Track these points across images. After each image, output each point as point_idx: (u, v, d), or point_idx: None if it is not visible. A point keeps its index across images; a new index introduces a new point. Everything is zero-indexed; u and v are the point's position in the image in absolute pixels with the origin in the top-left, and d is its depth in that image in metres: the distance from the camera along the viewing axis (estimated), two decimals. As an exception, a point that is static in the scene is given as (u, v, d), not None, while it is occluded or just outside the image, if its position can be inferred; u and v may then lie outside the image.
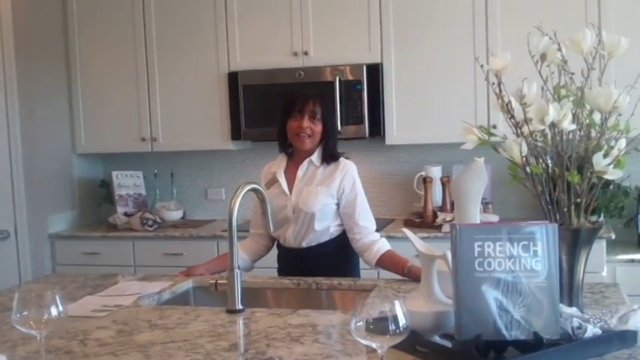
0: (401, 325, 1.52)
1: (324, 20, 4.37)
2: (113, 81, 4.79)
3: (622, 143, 1.84)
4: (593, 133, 1.86)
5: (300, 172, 2.95)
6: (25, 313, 1.73)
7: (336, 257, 2.93)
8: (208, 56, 4.58)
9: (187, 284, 2.85)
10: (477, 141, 1.93)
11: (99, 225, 4.87)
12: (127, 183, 4.91)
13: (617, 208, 3.89)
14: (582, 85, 1.86)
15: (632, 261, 3.87)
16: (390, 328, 1.51)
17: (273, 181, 2.97)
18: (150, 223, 4.55)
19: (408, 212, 4.51)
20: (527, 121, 1.82)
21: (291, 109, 2.90)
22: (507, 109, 1.88)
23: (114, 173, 4.87)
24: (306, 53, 4.38)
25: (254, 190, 2.51)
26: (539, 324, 1.67)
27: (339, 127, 4.21)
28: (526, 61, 1.87)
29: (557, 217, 1.90)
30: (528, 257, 1.70)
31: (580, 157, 1.87)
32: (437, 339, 1.84)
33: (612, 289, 2.43)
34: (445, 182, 4.29)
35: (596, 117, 1.86)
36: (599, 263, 3.74)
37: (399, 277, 2.76)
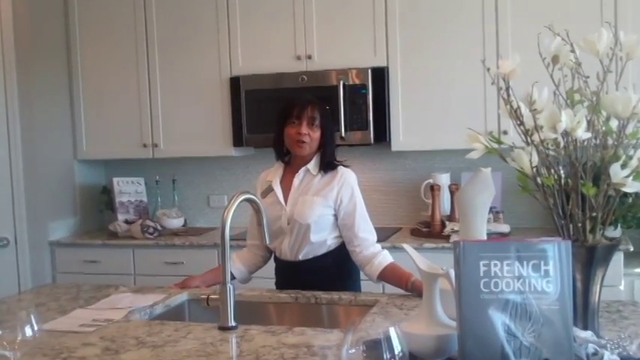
0: (396, 352, 1.39)
1: (329, 22, 4.27)
2: (114, 86, 4.74)
3: (641, 152, 1.70)
4: (610, 142, 1.73)
5: (296, 181, 2.83)
6: (-1, 332, 1.68)
7: (335, 270, 2.81)
8: (210, 61, 4.50)
9: (182, 297, 2.75)
10: (483, 150, 1.80)
11: (100, 232, 4.82)
12: (128, 190, 4.82)
13: (635, 218, 3.71)
14: (598, 89, 1.72)
15: (652, 274, 3.71)
16: (385, 356, 1.39)
17: (268, 190, 2.85)
18: (150, 230, 4.47)
19: (415, 221, 4.38)
20: (537, 128, 1.68)
21: (288, 115, 2.78)
22: (516, 116, 1.74)
23: (115, 180, 4.80)
24: (309, 57, 4.28)
25: (248, 200, 2.39)
26: (551, 350, 1.54)
27: (343, 133, 4.10)
28: (539, 65, 1.75)
29: (571, 232, 1.76)
30: (539, 277, 1.57)
31: (596, 168, 1.73)
32: (439, 365, 1.72)
33: (631, 308, 2.29)
34: (453, 190, 4.17)
35: (613, 124, 1.72)
36: (617, 277, 3.60)
37: (403, 291, 2.63)
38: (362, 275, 2.88)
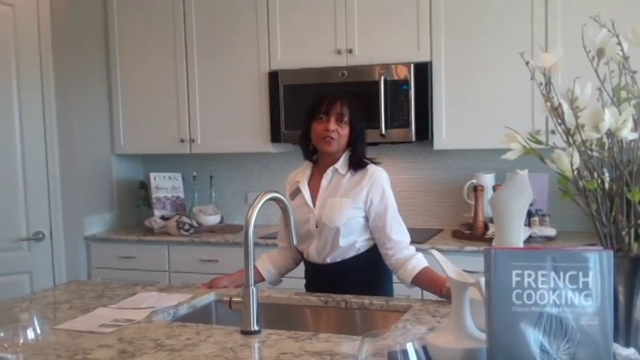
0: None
1: (370, 16, 4.15)
2: (153, 81, 4.71)
3: (694, 156, 1.55)
4: (660, 144, 1.57)
5: (324, 182, 2.72)
6: (1, 334, 1.62)
7: (366, 274, 2.69)
8: (248, 55, 4.43)
9: (209, 297, 2.67)
10: (521, 150, 1.66)
11: (136, 228, 4.79)
12: (165, 185, 4.79)
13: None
14: (647, 86, 1.57)
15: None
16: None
17: (296, 192, 2.75)
18: (186, 227, 4.43)
19: (457, 223, 4.24)
20: (579, 127, 1.55)
21: (316, 111, 2.67)
22: (557, 114, 1.60)
23: (152, 175, 4.77)
24: (350, 51, 4.17)
25: (274, 199, 2.29)
26: (589, 370, 1.41)
27: (384, 131, 3.98)
28: (587, 62, 1.60)
29: (614, 241, 1.62)
30: (577, 289, 1.45)
31: (643, 172, 1.58)
32: (467, 380, 1.59)
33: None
34: (498, 191, 4.01)
35: (664, 124, 1.57)
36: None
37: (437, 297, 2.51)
38: (394, 279, 2.76)
